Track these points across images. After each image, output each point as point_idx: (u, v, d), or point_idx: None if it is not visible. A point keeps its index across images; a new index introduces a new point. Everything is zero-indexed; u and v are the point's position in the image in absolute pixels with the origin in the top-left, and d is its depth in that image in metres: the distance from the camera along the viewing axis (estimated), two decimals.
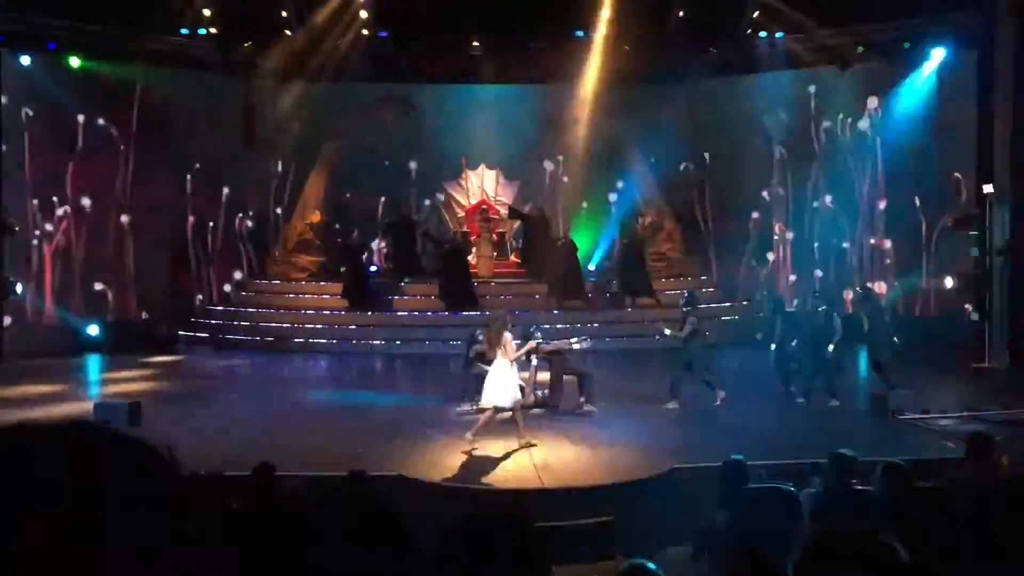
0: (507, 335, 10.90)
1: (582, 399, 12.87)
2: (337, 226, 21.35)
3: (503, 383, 10.57)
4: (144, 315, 19.86)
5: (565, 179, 22.76)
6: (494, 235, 21.62)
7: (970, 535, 2.09)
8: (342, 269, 20.39)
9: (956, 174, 18.38)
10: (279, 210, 22.06)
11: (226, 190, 21.01)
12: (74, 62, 18.74)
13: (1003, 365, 16.13)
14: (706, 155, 21.65)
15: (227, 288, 21.34)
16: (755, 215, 21.41)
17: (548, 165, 22.90)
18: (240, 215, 21.50)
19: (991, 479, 5.79)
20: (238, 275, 21.52)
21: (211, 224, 20.99)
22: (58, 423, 0.95)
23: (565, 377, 13.06)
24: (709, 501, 6.45)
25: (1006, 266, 16.82)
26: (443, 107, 22.04)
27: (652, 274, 20.23)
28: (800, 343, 13.23)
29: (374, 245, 22.09)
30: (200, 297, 20.91)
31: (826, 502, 6.11)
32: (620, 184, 22.50)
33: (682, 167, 21.96)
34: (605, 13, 19.83)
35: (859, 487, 6.41)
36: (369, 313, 19.47)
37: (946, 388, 14.15)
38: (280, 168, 21.78)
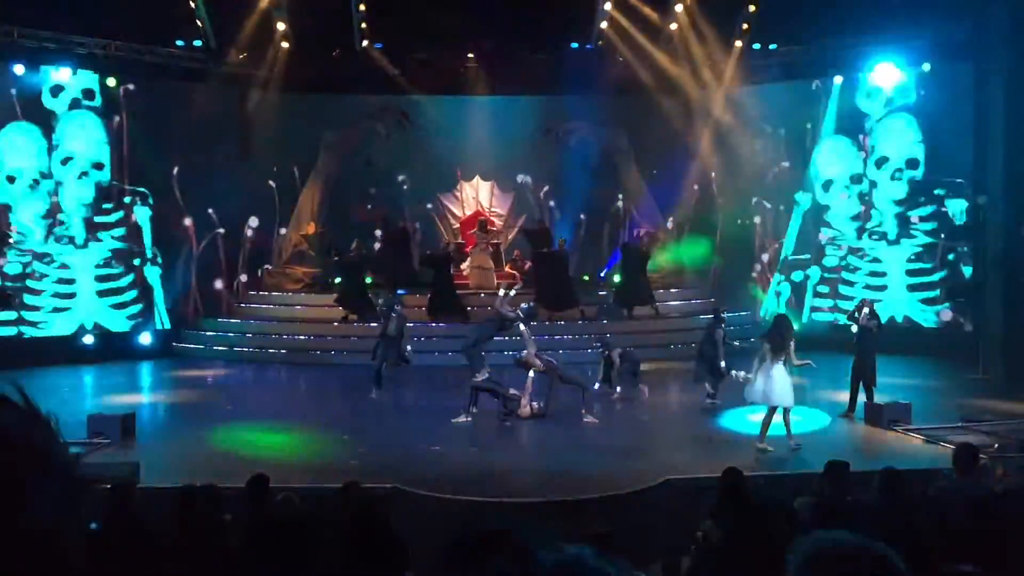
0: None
1: (583, 410, 12.87)
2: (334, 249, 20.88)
3: (788, 384, 10.95)
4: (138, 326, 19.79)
5: (554, 192, 22.67)
6: (489, 246, 21.54)
7: (961, 545, 2.09)
8: (337, 280, 20.24)
9: (951, 183, 18.48)
10: (275, 221, 21.99)
11: (222, 202, 20.91)
12: (68, 74, 18.75)
13: (998, 376, 16.13)
14: (711, 174, 21.64)
15: (223, 299, 21.22)
16: (753, 225, 21.47)
17: (541, 177, 22.79)
18: (237, 226, 21.37)
19: (977, 490, 5.79)
20: (234, 286, 21.41)
21: (207, 235, 20.89)
22: None
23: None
24: (704, 512, 6.44)
25: (1000, 278, 16.86)
26: (438, 118, 22.04)
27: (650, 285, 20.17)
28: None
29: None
30: (196, 308, 20.83)
31: (822, 513, 6.09)
32: (617, 195, 22.52)
33: (695, 188, 21.96)
34: (602, 25, 19.91)
35: (855, 497, 6.40)
36: (372, 324, 19.29)
37: (941, 399, 14.14)
38: (275, 179, 21.69)
